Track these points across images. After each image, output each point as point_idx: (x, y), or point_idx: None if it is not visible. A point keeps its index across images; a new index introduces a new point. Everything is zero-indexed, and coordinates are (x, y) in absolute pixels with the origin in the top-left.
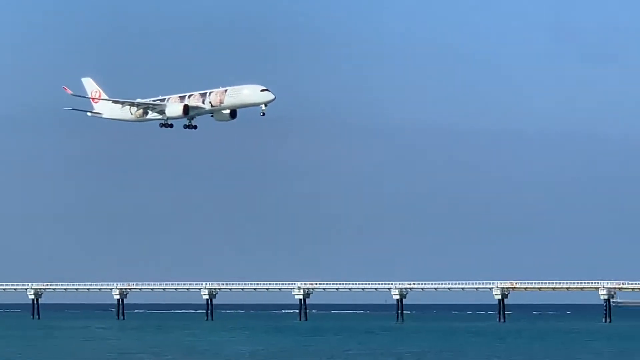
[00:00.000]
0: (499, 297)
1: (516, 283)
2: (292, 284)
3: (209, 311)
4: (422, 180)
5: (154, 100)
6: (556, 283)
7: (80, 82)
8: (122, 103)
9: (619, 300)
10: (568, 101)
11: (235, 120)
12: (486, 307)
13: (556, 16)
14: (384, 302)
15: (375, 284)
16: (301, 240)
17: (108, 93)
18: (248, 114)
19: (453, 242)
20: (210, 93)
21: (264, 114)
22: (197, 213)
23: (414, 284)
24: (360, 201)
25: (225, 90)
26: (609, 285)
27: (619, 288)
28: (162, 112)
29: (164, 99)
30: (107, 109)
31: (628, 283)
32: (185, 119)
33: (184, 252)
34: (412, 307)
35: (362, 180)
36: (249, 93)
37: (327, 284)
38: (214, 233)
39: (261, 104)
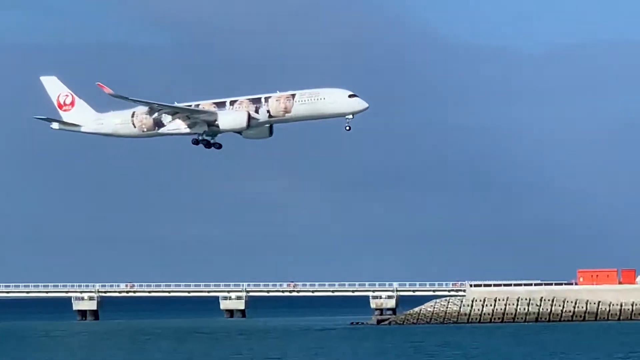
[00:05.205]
0: None
1: None
2: None
3: None
4: None
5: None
6: None
7: (40, 82)
8: (158, 108)
9: None
10: None
11: (271, 138)
12: None
13: None
14: None
15: None
16: None
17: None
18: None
19: None
20: (266, 99)
21: (349, 128)
22: None
23: None
24: None
25: (293, 96)
26: None
27: None
28: (198, 123)
29: (191, 106)
30: (90, 119)
31: None
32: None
33: None
34: None
35: None
36: (333, 99)
37: None
38: None
39: (348, 114)
